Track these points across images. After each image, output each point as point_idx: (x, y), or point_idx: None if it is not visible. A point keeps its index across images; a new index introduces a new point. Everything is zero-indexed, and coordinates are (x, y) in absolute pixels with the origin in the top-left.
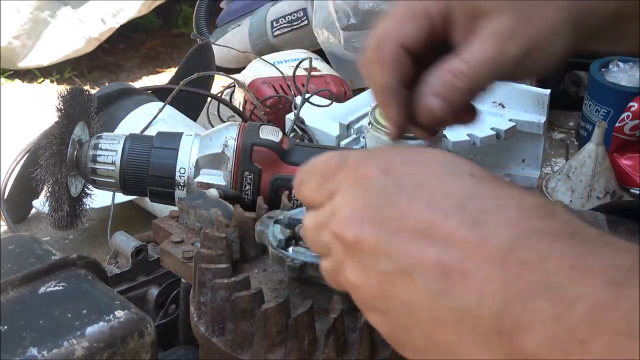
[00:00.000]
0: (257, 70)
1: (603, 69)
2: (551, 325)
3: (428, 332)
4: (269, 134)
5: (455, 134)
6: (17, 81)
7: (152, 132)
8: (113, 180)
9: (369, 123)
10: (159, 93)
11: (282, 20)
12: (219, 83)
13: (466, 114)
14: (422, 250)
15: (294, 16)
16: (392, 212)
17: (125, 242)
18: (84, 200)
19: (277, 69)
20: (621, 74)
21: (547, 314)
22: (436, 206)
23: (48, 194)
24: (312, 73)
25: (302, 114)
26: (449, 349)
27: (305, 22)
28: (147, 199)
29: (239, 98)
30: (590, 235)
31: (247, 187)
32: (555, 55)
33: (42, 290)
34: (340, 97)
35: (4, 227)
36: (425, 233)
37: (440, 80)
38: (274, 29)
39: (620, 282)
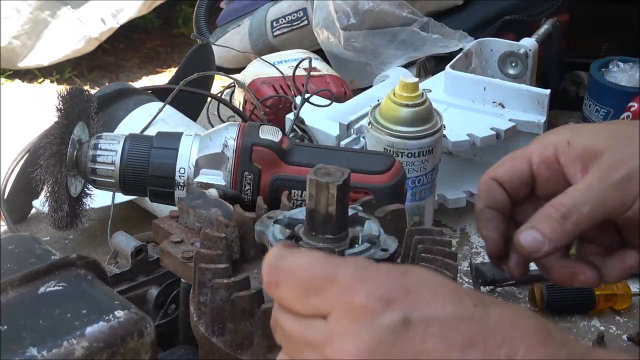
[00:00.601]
0: (257, 70)
1: (603, 69)
2: None
3: None
4: (269, 134)
5: (455, 134)
6: (17, 81)
7: (152, 132)
8: (113, 180)
9: (369, 123)
10: (159, 93)
11: (282, 20)
12: (219, 83)
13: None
14: None
15: (294, 16)
16: (404, 352)
17: (125, 242)
18: (84, 200)
19: (277, 69)
20: (621, 74)
21: None
22: (453, 344)
23: (48, 194)
24: (312, 73)
25: (302, 114)
26: None
27: (305, 22)
28: (147, 199)
29: (239, 98)
30: (580, 352)
31: (247, 187)
32: None
33: (42, 290)
34: (340, 97)
35: (4, 227)
36: None
37: (541, 213)
38: (274, 29)
39: None
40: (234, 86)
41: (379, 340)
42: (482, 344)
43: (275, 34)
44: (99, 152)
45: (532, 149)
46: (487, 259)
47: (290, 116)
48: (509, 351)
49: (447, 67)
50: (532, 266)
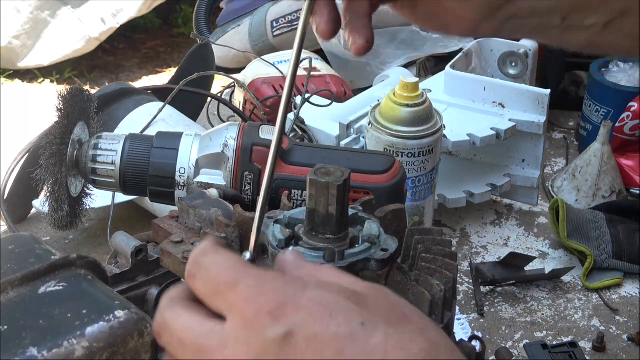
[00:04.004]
0: (257, 70)
1: (603, 69)
2: None
3: None
4: (269, 134)
5: (455, 134)
6: (17, 81)
7: (152, 132)
8: (113, 180)
9: (369, 123)
10: (159, 93)
11: (282, 20)
12: (219, 83)
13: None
14: None
15: (294, 16)
16: None
17: (125, 242)
18: (84, 200)
19: (277, 69)
20: (621, 74)
21: None
22: None
23: (48, 194)
24: (312, 73)
25: (302, 114)
26: None
27: None
28: (147, 199)
29: (239, 98)
30: None
31: (247, 187)
32: None
33: (42, 290)
34: (340, 97)
35: (4, 227)
36: None
37: None
38: (274, 29)
39: None
40: (234, 86)
41: (264, 351)
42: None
43: (275, 34)
44: (99, 152)
45: None
46: (487, 259)
47: (290, 116)
48: None
49: (447, 67)
50: (532, 266)
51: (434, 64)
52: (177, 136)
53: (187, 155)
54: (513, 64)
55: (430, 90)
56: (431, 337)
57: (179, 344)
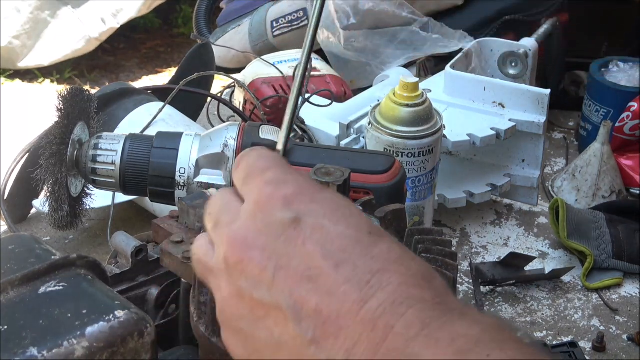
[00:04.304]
0: (257, 70)
1: (603, 69)
2: None
3: None
4: (269, 134)
5: (455, 134)
6: (17, 81)
7: (152, 132)
8: (113, 180)
9: (369, 123)
10: (159, 93)
11: (282, 20)
12: (219, 83)
13: None
14: (306, 295)
15: (294, 16)
16: (284, 248)
17: (125, 242)
18: (84, 200)
19: (277, 69)
20: (621, 74)
21: None
22: (330, 256)
23: (48, 194)
24: (312, 73)
25: (302, 114)
26: None
27: (305, 22)
28: (147, 199)
29: (239, 98)
30: (453, 306)
31: None
32: None
33: (42, 290)
34: (340, 97)
35: (4, 227)
36: (312, 278)
37: None
38: (274, 29)
39: (466, 350)
40: (234, 86)
41: (267, 230)
42: (356, 267)
43: (275, 34)
44: (99, 152)
45: None
46: (487, 259)
47: None
48: (379, 281)
49: (447, 67)
50: (532, 266)
51: (434, 64)
52: (177, 136)
53: (187, 155)
54: (513, 64)
55: (430, 90)
56: (430, 269)
57: (207, 215)
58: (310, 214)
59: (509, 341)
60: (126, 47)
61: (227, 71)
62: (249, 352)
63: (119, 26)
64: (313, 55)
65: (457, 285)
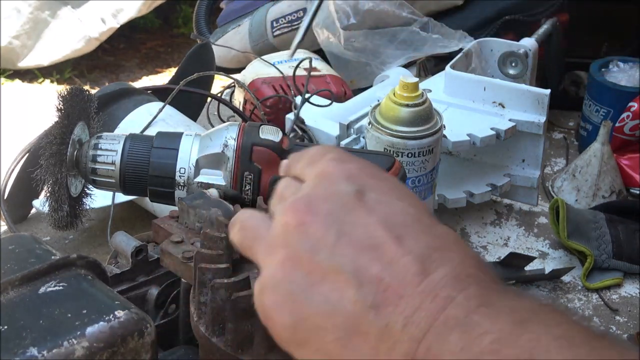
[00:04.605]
0: (257, 70)
1: (603, 69)
2: (457, 354)
3: (343, 338)
4: (269, 134)
5: (455, 134)
6: (17, 81)
7: (152, 132)
8: (113, 180)
9: (369, 123)
10: (159, 93)
11: (282, 20)
12: (219, 83)
13: None
14: (367, 262)
15: (294, 16)
16: (347, 216)
17: (125, 242)
18: (84, 200)
19: (277, 69)
20: (621, 74)
21: (456, 346)
22: (392, 229)
23: (48, 194)
24: (312, 73)
25: (302, 114)
26: None
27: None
28: (147, 199)
29: (239, 98)
30: (508, 288)
31: (247, 187)
32: None
33: (42, 290)
34: (340, 97)
35: (4, 227)
36: (374, 248)
37: None
38: (274, 29)
39: (526, 320)
40: (234, 86)
41: (331, 198)
42: (418, 241)
43: (275, 34)
44: (99, 152)
45: None
46: (487, 259)
47: (290, 116)
48: (440, 257)
49: (447, 67)
50: (532, 266)
51: (434, 64)
52: (177, 136)
53: (187, 155)
54: (513, 64)
55: (430, 90)
56: (480, 256)
57: (276, 196)
58: (373, 189)
59: (566, 318)
60: (126, 47)
61: (227, 71)
62: (296, 318)
63: (119, 26)
64: (313, 56)
65: None
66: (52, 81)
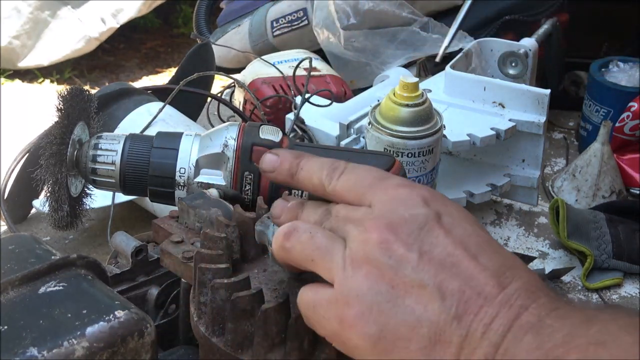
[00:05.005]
0: (257, 70)
1: (603, 69)
2: (533, 352)
3: (427, 347)
4: (269, 134)
5: (455, 134)
6: (17, 81)
7: (152, 132)
8: (113, 180)
9: (369, 123)
10: (159, 93)
11: (282, 20)
12: (219, 83)
13: None
14: (448, 278)
15: (294, 16)
16: (427, 236)
17: (125, 242)
18: (84, 200)
19: (277, 69)
20: (621, 74)
21: (530, 345)
22: (468, 248)
23: (48, 194)
24: (312, 73)
25: (302, 114)
26: None
27: (305, 22)
28: (147, 199)
29: (239, 98)
30: (567, 298)
31: (247, 187)
32: None
33: (42, 290)
34: (340, 97)
35: (4, 227)
36: (453, 265)
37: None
38: (274, 29)
39: (591, 317)
40: (234, 86)
41: (411, 219)
42: (491, 260)
43: (275, 34)
44: (99, 152)
45: None
46: None
47: (290, 116)
48: (512, 274)
49: (447, 67)
50: (532, 266)
51: (434, 64)
52: (177, 136)
53: (187, 155)
54: (513, 64)
55: (430, 90)
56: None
57: (335, 218)
58: (447, 213)
59: (627, 311)
60: (126, 47)
61: (227, 71)
62: (382, 328)
63: (118, 26)
64: (313, 56)
65: None
66: (52, 81)
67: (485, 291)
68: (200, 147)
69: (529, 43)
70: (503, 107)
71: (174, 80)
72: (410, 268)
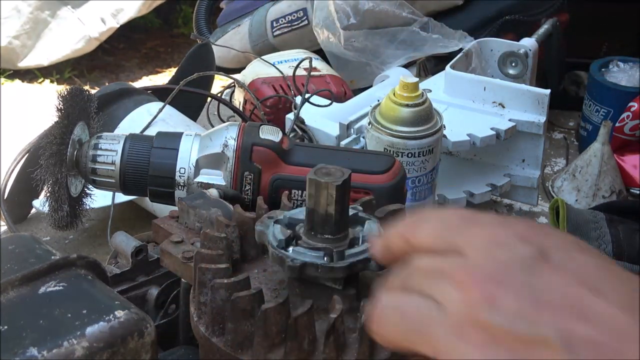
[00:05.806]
0: (257, 70)
1: (603, 69)
2: None
3: None
4: (269, 134)
5: (455, 134)
6: (17, 81)
7: (152, 132)
8: (113, 180)
9: (369, 123)
10: (159, 93)
11: (282, 20)
12: (219, 83)
13: None
14: (572, 323)
15: (294, 16)
16: (536, 280)
17: (125, 242)
18: (84, 200)
19: (277, 69)
20: (621, 74)
21: None
22: (586, 283)
23: (48, 194)
24: (312, 73)
25: (302, 114)
26: None
27: (305, 22)
28: (147, 199)
29: (239, 98)
30: None
31: (247, 187)
32: None
33: (42, 290)
34: (340, 97)
35: (4, 227)
36: (574, 307)
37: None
38: (274, 29)
39: None
40: (234, 86)
41: (513, 264)
42: (615, 291)
43: (275, 34)
44: (99, 152)
45: None
46: None
47: (290, 116)
48: (633, 300)
49: (447, 67)
50: None
51: (434, 64)
52: (177, 136)
53: (187, 155)
54: (513, 64)
55: (430, 90)
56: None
57: (418, 274)
58: (553, 247)
59: None
60: (126, 47)
61: (227, 71)
62: None
63: (118, 26)
64: (313, 55)
65: None
66: (52, 81)
67: (620, 331)
68: (200, 147)
69: (529, 43)
70: (503, 107)
71: (174, 80)
72: (526, 322)
